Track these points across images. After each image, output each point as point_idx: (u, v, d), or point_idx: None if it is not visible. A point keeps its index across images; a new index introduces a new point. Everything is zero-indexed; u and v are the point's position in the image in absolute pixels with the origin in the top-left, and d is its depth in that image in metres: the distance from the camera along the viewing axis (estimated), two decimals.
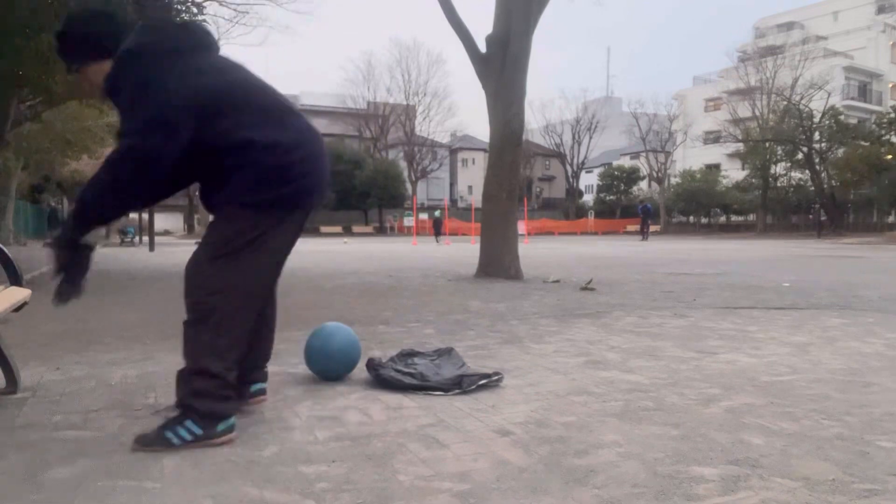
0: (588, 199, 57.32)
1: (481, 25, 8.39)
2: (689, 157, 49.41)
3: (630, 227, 32.99)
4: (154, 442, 1.87)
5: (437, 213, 34.32)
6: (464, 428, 2.07)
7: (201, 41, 2.01)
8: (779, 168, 38.57)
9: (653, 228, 44.88)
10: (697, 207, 45.85)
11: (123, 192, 1.90)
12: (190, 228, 44.44)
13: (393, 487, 1.60)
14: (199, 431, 1.89)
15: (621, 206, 49.69)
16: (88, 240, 1.97)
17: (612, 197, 51.53)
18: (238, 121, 1.91)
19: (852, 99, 45.42)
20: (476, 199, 30.80)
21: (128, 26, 1.98)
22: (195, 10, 8.44)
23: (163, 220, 42.39)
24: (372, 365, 2.68)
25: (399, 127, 48.15)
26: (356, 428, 2.08)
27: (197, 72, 1.89)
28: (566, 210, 53.16)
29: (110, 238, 31.05)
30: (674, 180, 48.08)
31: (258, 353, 2.25)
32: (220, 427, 1.92)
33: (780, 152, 37.17)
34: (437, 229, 29.59)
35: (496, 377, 2.62)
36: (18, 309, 2.54)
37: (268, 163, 1.91)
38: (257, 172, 1.91)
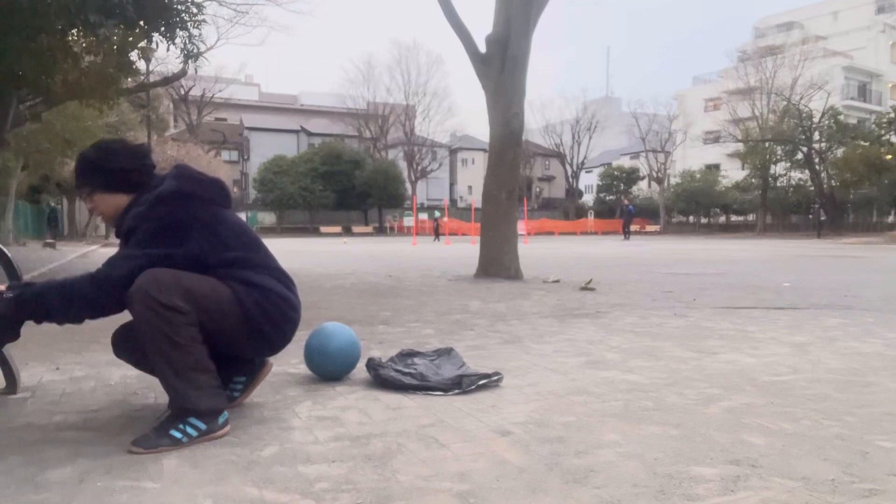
0: (588, 199, 57.33)
1: (481, 25, 8.41)
2: (689, 157, 49.42)
3: (630, 227, 33.06)
4: (158, 443, 1.87)
5: (436, 214, 35.00)
6: (464, 428, 2.07)
7: (227, 196, 2.18)
8: (778, 168, 38.57)
9: (651, 228, 45.03)
10: (697, 207, 45.87)
11: (99, 308, 1.96)
12: None
13: (393, 487, 1.60)
14: (203, 427, 1.94)
15: (621, 206, 49.76)
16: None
17: (611, 197, 51.53)
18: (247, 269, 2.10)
19: (852, 99, 45.44)
20: (476, 199, 30.86)
21: (152, 170, 2.14)
22: (195, 9, 8.42)
23: None
24: (372, 365, 2.68)
25: (399, 127, 48.16)
26: (356, 428, 2.08)
27: (223, 222, 2.08)
28: (566, 210, 53.16)
29: (110, 238, 31.04)
30: (673, 180, 48.09)
31: None
32: (220, 420, 1.99)
33: (779, 152, 37.17)
34: (436, 230, 30.30)
35: (496, 377, 2.62)
36: None
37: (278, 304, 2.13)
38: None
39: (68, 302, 1.92)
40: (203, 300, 1.95)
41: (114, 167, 2.07)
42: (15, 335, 2.04)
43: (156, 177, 2.14)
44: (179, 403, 1.93)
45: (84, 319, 1.98)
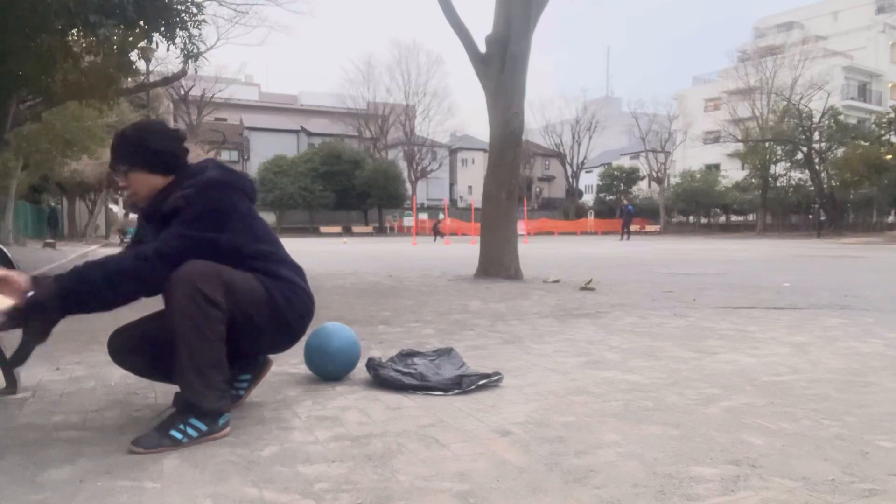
0: (588, 199, 57.33)
1: (481, 25, 8.40)
2: (689, 157, 49.42)
3: (630, 227, 33.11)
4: (159, 443, 1.87)
5: (440, 216, 35.48)
6: (464, 428, 2.07)
7: (256, 193, 2.26)
8: (778, 168, 38.58)
9: (650, 228, 45.03)
10: (697, 207, 45.88)
11: (147, 284, 1.94)
12: None
13: (393, 487, 1.60)
14: (204, 428, 1.94)
15: (620, 206, 49.78)
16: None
17: (611, 197, 51.55)
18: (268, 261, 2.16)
19: (852, 99, 45.44)
20: (476, 199, 30.96)
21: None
22: (195, 9, 8.41)
23: None
24: (372, 365, 2.68)
25: (399, 127, 48.16)
26: (356, 428, 2.08)
27: (256, 216, 2.16)
28: (566, 210, 53.17)
29: (110, 238, 31.07)
30: (673, 180, 48.10)
31: None
32: (221, 421, 1.99)
33: (779, 152, 37.18)
34: (436, 229, 30.71)
35: (496, 377, 2.62)
36: None
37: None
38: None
39: (113, 280, 1.87)
40: (239, 294, 1.98)
41: (155, 147, 2.08)
42: (45, 335, 1.94)
43: (189, 164, 2.16)
44: (188, 398, 1.92)
45: (130, 299, 1.93)
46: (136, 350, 2.19)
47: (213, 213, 2.00)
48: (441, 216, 35.52)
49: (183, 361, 1.91)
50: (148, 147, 2.08)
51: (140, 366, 2.24)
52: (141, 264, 1.91)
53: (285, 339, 2.23)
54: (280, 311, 2.09)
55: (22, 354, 2.00)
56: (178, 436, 1.90)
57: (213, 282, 1.91)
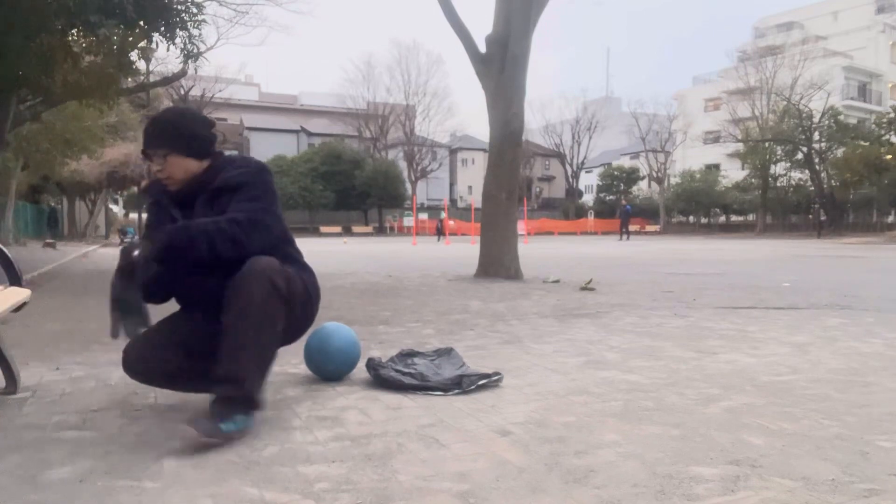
0: (588, 199, 57.32)
1: (481, 25, 8.40)
2: (689, 157, 49.42)
3: (630, 227, 33.14)
4: (213, 433, 1.86)
5: (442, 215, 35.59)
6: (464, 428, 2.07)
7: None
8: (778, 168, 38.58)
9: (650, 228, 45.02)
10: (697, 207, 45.87)
11: (238, 245, 1.99)
12: None
13: (393, 487, 1.60)
14: (250, 424, 1.97)
15: (619, 207, 49.82)
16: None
17: (611, 197, 51.55)
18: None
19: (852, 99, 45.45)
20: (476, 199, 30.97)
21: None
22: (195, 9, 8.41)
23: None
24: (372, 365, 2.68)
25: (399, 127, 48.15)
26: (356, 428, 2.08)
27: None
28: (566, 210, 53.17)
29: (110, 238, 31.07)
30: (673, 180, 48.11)
31: None
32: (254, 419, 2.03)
33: (779, 152, 37.18)
34: (439, 229, 30.92)
35: (496, 377, 2.62)
36: (18, 309, 2.54)
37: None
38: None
39: (214, 238, 1.94)
40: (292, 286, 2.06)
41: (195, 132, 2.13)
42: (143, 314, 1.95)
43: (220, 152, 2.22)
44: (244, 390, 1.92)
45: (220, 258, 1.96)
46: (156, 362, 2.16)
47: (272, 195, 2.13)
48: (443, 215, 35.59)
49: (250, 353, 1.92)
50: (188, 131, 2.12)
51: (160, 377, 2.22)
52: (236, 228, 1.98)
53: (304, 328, 2.31)
54: (311, 301, 2.22)
55: (116, 330, 1.95)
56: (233, 427, 1.89)
57: (281, 276, 1.98)
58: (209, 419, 1.88)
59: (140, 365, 2.17)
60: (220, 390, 1.93)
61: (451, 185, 60.90)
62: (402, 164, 46.39)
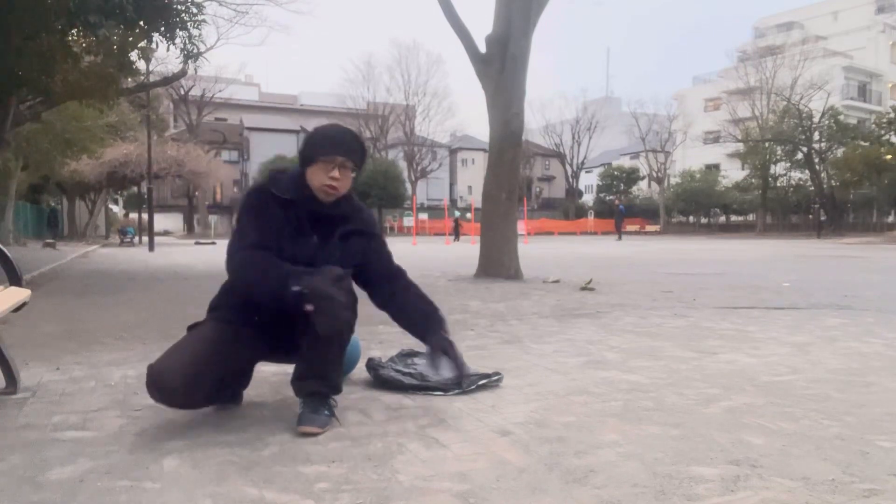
0: (588, 199, 57.33)
1: (481, 25, 8.39)
2: (689, 157, 49.43)
3: (629, 227, 33.16)
4: (325, 422, 2.04)
5: (456, 214, 35.49)
6: (464, 428, 2.08)
7: None
8: (778, 168, 38.59)
9: (650, 228, 45.03)
10: (697, 207, 45.88)
11: None
12: (190, 228, 44.42)
13: (393, 487, 1.60)
14: (331, 412, 2.12)
15: (615, 207, 49.80)
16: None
17: (611, 197, 51.54)
18: None
19: (852, 99, 45.46)
20: (476, 199, 31.00)
21: None
22: (195, 9, 8.41)
23: (162, 221, 42.38)
24: (372, 365, 2.68)
25: (399, 127, 48.14)
26: (356, 428, 2.08)
27: None
28: (566, 210, 53.16)
29: (110, 238, 31.06)
30: (673, 180, 48.12)
31: None
32: None
33: (779, 152, 37.20)
34: (457, 229, 31.11)
35: (496, 377, 2.62)
36: (18, 309, 2.54)
37: None
38: None
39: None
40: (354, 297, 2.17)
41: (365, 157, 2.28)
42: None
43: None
44: (331, 388, 2.11)
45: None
46: (203, 383, 2.00)
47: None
48: (458, 214, 35.57)
49: (333, 365, 2.12)
50: (366, 154, 2.26)
51: (200, 398, 2.07)
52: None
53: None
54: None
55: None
56: (332, 414, 2.10)
57: (353, 294, 2.11)
58: (313, 413, 2.04)
59: (181, 398, 2.01)
60: (309, 386, 2.09)
61: (451, 185, 60.89)
62: (402, 165, 46.38)
